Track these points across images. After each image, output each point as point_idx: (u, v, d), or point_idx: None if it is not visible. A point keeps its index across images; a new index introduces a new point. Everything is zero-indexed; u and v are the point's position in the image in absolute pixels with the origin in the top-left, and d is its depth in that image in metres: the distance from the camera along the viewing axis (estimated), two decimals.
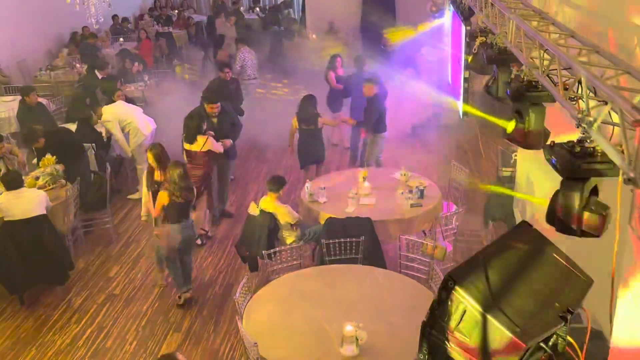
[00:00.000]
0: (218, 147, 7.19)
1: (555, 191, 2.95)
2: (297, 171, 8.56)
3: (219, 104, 7.54)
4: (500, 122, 4.19)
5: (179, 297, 6.25)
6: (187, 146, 7.10)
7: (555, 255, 2.72)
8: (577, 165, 2.79)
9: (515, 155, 7.39)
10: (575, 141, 2.89)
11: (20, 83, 11.69)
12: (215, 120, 7.54)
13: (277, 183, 6.18)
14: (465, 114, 7.24)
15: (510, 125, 3.86)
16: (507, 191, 6.91)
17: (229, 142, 7.54)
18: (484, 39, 5.11)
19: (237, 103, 9.15)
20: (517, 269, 2.63)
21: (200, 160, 7.06)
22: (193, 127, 7.04)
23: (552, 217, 2.93)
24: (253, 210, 6.21)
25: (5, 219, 6.16)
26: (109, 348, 5.72)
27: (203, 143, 6.99)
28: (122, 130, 8.41)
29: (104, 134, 8.55)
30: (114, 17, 15.87)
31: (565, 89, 3.21)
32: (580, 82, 3.03)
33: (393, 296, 4.88)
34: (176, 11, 18.11)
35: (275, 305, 4.88)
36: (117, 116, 8.37)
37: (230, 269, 6.87)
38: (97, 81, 10.48)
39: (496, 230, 6.93)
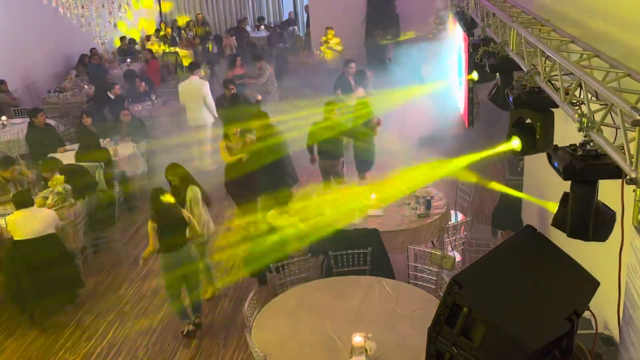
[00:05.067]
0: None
1: (563, 195, 2.95)
2: (303, 186, 8.57)
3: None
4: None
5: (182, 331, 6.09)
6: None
7: (560, 258, 2.72)
8: (579, 168, 2.79)
9: (523, 164, 7.38)
10: (577, 144, 2.89)
11: (30, 105, 11.84)
12: None
13: (285, 196, 6.20)
14: (471, 123, 7.26)
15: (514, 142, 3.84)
16: (514, 192, 6.88)
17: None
18: (487, 48, 5.14)
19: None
20: (522, 273, 2.62)
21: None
22: None
23: (560, 221, 2.93)
24: None
25: (15, 238, 6.21)
26: None
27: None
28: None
29: (111, 153, 8.62)
30: (122, 38, 16.08)
31: (567, 94, 3.23)
32: (581, 86, 3.05)
33: (402, 306, 4.86)
34: (183, 31, 18.31)
35: (283, 318, 4.87)
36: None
37: (239, 283, 6.88)
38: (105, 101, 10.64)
39: (505, 239, 6.89)
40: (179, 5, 19.72)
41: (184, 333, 6.03)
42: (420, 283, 5.50)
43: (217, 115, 9.78)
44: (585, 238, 2.81)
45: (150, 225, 5.70)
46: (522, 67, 4.06)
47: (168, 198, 5.73)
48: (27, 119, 9.69)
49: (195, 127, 9.67)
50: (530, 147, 3.72)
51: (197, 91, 9.63)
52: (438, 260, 5.53)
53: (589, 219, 2.81)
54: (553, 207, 3.03)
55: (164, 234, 5.67)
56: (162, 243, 5.70)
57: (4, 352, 5.97)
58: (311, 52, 14.73)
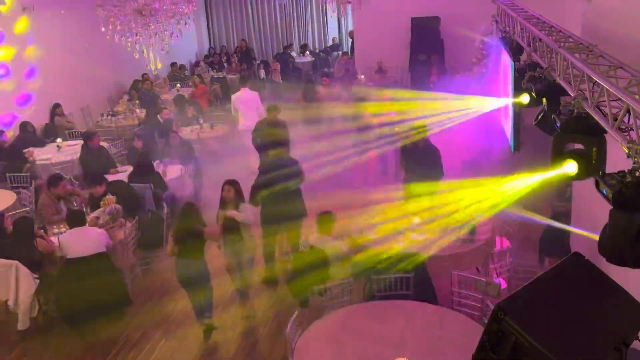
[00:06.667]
0: None
1: (607, 223, 2.90)
2: (348, 207, 8.59)
3: None
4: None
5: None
6: None
7: (609, 286, 2.67)
8: (629, 196, 2.75)
9: (570, 190, 7.24)
10: (626, 171, 2.86)
11: (84, 128, 12.32)
12: None
13: (327, 219, 6.24)
14: (516, 148, 7.18)
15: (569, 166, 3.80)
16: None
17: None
18: (533, 73, 5.12)
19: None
20: (569, 301, 2.59)
21: None
22: None
23: (604, 247, 2.88)
24: (303, 246, 6.28)
25: (67, 257, 6.44)
26: None
27: None
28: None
29: (161, 173, 8.87)
30: (172, 64, 16.60)
31: (615, 120, 3.20)
32: (629, 112, 3.02)
33: (445, 332, 4.81)
34: (234, 55, 18.75)
35: (326, 341, 4.89)
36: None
37: (281, 305, 6.92)
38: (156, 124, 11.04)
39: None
40: (227, 31, 20.26)
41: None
42: (464, 309, 5.43)
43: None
44: (629, 264, 2.73)
45: (171, 237, 6.31)
46: (569, 92, 4.03)
47: (193, 218, 6.24)
48: (81, 141, 10.08)
49: (247, 131, 10.66)
50: (583, 172, 3.69)
51: (252, 100, 11.08)
52: (483, 287, 5.46)
53: (628, 245, 2.72)
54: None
55: (182, 245, 6.19)
56: (180, 250, 6.20)
57: None
58: (355, 77, 14.85)
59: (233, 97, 11.42)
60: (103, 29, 6.32)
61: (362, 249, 6.38)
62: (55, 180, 7.84)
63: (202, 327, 6.45)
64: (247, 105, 11.04)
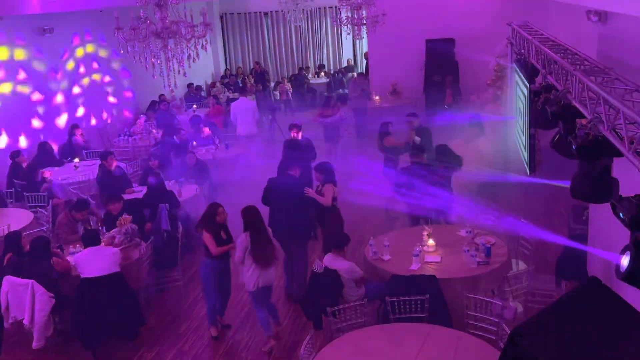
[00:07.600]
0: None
1: (630, 248, 2.86)
2: (362, 228, 8.59)
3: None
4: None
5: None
6: None
7: (627, 312, 2.63)
8: None
9: (587, 212, 7.17)
10: None
11: (101, 148, 12.46)
12: None
13: (340, 240, 6.23)
14: (532, 170, 7.14)
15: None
16: None
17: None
18: (548, 95, 5.11)
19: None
20: (587, 327, 2.55)
21: None
22: None
23: (632, 276, 2.82)
24: (317, 267, 6.26)
25: (82, 276, 6.47)
26: None
27: None
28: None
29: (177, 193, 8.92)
30: (189, 85, 16.80)
31: (632, 143, 3.18)
32: None
33: (459, 356, 4.75)
34: (249, 77, 18.93)
35: None
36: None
37: (294, 326, 6.88)
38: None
39: (569, 290, 6.65)
40: (243, 52, 20.47)
41: (213, 337, 6.74)
42: (479, 333, 5.37)
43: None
44: None
45: (207, 235, 6.43)
46: (585, 115, 4.02)
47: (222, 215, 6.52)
48: (99, 162, 10.20)
49: (245, 136, 12.08)
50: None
51: (249, 108, 12.23)
52: (498, 310, 5.40)
53: None
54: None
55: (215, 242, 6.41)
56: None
57: None
58: (370, 98, 14.91)
59: (232, 105, 12.49)
60: (122, 51, 6.40)
61: (377, 271, 6.37)
62: (80, 206, 7.94)
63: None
64: (244, 113, 12.00)
